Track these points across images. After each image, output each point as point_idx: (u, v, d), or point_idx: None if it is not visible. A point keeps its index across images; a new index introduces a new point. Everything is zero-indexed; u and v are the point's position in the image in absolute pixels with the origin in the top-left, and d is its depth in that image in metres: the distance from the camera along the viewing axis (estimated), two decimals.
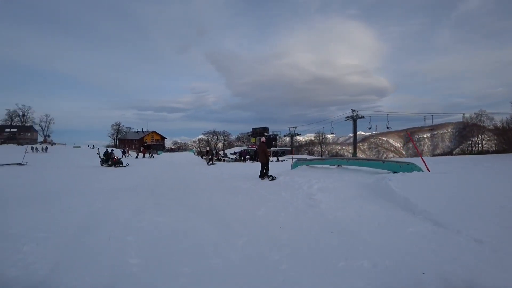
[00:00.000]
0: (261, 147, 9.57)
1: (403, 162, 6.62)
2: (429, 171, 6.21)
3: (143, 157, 36.30)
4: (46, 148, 42.79)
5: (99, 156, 19.92)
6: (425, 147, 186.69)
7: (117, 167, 17.56)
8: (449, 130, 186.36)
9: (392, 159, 8.29)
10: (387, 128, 41.39)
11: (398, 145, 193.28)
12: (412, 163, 6.39)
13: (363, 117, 43.83)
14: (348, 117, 45.05)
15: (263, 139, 9.94)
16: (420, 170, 6.19)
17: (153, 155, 37.70)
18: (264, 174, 9.21)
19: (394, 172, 6.87)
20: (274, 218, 4.21)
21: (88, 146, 63.72)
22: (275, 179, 8.61)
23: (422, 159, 6.67)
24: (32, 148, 40.90)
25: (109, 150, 20.32)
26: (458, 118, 61.63)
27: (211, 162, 21.95)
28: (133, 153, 42.33)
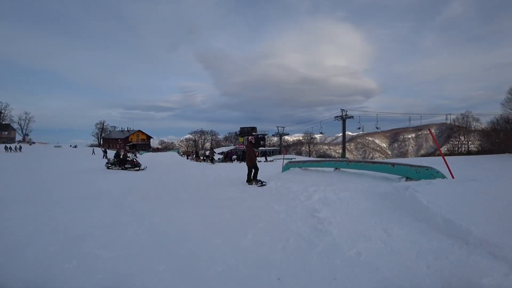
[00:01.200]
0: (248, 148, 8.25)
1: (420, 166, 5.47)
2: (453, 177, 5.08)
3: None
4: (20, 148, 39.67)
5: (106, 157, 16.95)
6: (410, 147, 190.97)
7: (126, 169, 14.93)
8: (433, 131, 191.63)
9: (402, 161, 7.13)
10: (376, 128, 41.05)
11: (384, 145, 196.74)
12: (431, 167, 5.24)
13: (353, 116, 43.34)
14: (337, 116, 44.42)
15: (250, 137, 8.58)
16: (442, 176, 5.05)
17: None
18: (252, 178, 7.91)
19: (408, 178, 5.73)
20: (267, 254, 2.87)
21: (71, 146, 60.54)
22: (265, 185, 7.33)
23: (445, 161, 5.53)
24: (6, 147, 37.99)
25: (121, 151, 17.49)
26: (442, 119, 62.51)
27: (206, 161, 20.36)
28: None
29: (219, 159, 29.62)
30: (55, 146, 55.31)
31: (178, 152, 43.83)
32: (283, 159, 11.58)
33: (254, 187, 7.29)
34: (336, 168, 8.42)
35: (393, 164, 6.24)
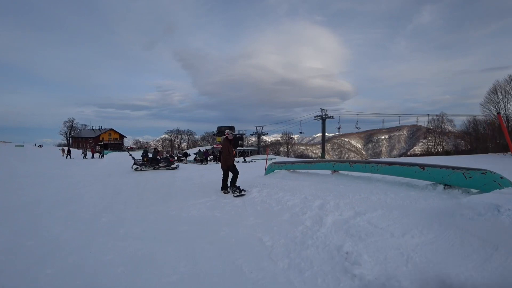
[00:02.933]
0: (223, 146, 6.20)
1: (469, 169, 3.82)
2: None
3: (92, 157, 30.76)
4: None
5: (132, 158, 14.70)
6: (383, 148, 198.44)
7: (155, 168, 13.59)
8: (405, 133, 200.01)
9: (436, 163, 5.45)
10: (357, 128, 40.65)
11: (359, 145, 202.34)
12: (489, 171, 3.60)
13: (332, 116, 42.67)
14: (317, 116, 43.56)
15: (228, 131, 6.54)
16: (509, 183, 3.41)
17: (103, 155, 32.20)
18: (230, 184, 5.95)
19: (447, 186, 4.06)
20: None
21: (35, 145, 54.58)
22: (244, 194, 5.41)
23: None
24: None
25: (157, 149, 15.38)
26: (413, 121, 64.32)
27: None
28: (77, 152, 36.18)
29: (194, 159, 26.95)
30: (16, 145, 49.27)
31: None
32: (266, 159, 9.72)
33: (230, 197, 5.32)
34: (335, 171, 6.68)
35: (422, 166, 4.55)
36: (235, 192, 5.55)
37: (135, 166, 13.87)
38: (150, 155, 14.19)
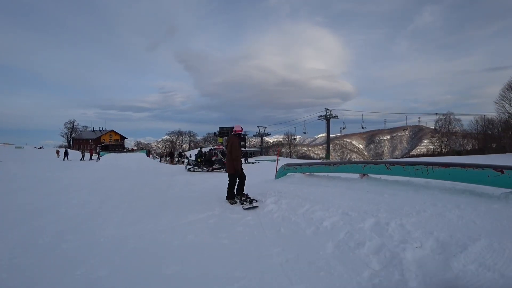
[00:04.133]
0: (231, 143, 4.95)
1: None
2: None
3: (91, 158, 29.68)
4: None
5: (188, 159, 14.17)
6: (385, 148, 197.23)
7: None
8: (407, 133, 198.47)
9: (460, 162, 4.29)
10: (362, 128, 39.42)
11: (361, 146, 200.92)
12: None
13: (337, 116, 41.48)
14: (321, 116, 42.38)
15: (237, 126, 5.26)
16: None
17: (99, 157, 31.09)
18: (237, 192, 4.80)
19: None
20: None
21: (35, 147, 53.43)
22: (256, 206, 4.25)
23: None
24: None
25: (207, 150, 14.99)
26: (415, 121, 62.98)
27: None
28: (77, 153, 35.02)
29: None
30: (16, 147, 48.09)
31: (146, 153, 39.62)
32: (277, 160, 8.50)
33: (239, 210, 4.16)
34: (364, 175, 5.51)
35: (499, 169, 3.37)
36: (245, 203, 4.39)
37: (188, 166, 13.75)
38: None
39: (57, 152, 30.31)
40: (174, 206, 4.78)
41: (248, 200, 4.49)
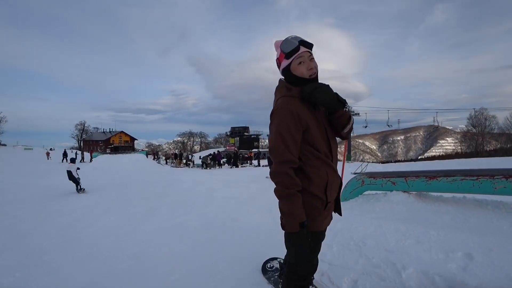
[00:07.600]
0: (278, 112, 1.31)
1: None
2: None
3: (91, 160, 27.63)
4: None
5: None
6: (399, 149, 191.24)
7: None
8: (421, 133, 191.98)
9: None
10: (388, 126, 36.06)
11: (373, 147, 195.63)
12: None
13: (359, 114, 38.34)
14: None
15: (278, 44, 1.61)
16: None
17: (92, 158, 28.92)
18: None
19: None
20: None
21: (46, 148, 51.82)
22: None
23: None
24: None
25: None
26: (429, 121, 59.37)
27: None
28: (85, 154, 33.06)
29: (205, 162, 22.33)
30: (25, 148, 46.29)
31: (145, 154, 37.41)
32: (343, 163, 5.50)
33: None
34: None
35: None
36: None
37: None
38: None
39: (47, 154, 28.53)
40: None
41: None
